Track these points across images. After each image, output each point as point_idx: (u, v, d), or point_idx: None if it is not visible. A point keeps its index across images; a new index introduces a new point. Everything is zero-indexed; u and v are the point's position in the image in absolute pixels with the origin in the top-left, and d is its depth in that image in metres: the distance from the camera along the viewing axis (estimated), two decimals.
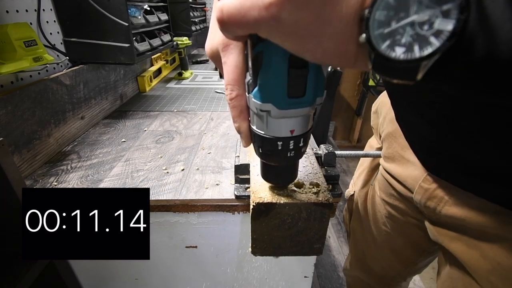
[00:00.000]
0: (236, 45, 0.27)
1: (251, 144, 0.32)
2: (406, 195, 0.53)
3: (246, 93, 0.28)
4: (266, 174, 0.35)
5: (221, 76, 0.43)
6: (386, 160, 0.57)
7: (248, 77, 0.26)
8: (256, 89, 0.25)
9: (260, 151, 0.31)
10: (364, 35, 0.16)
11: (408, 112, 0.44)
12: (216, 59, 0.30)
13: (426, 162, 0.46)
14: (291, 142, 0.28)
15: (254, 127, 0.29)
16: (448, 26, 0.14)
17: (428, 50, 0.15)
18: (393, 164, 0.54)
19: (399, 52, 0.15)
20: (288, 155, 0.30)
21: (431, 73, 0.16)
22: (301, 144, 0.29)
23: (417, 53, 0.15)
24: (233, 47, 0.27)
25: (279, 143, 0.28)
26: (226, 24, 0.20)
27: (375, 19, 0.15)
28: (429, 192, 0.46)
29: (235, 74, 0.27)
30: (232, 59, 0.27)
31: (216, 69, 1.61)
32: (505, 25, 0.14)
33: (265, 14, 0.18)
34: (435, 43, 0.14)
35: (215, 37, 0.29)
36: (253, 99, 0.26)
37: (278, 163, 0.32)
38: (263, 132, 0.29)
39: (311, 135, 0.34)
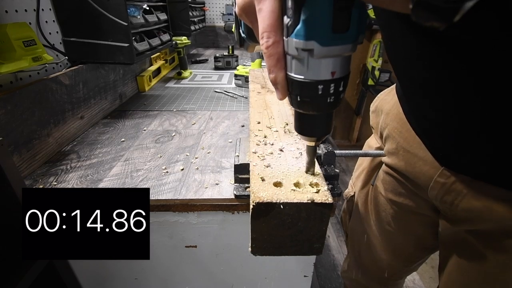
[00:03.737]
0: None
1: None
2: (418, 192, 0.53)
3: (284, 37, 0.27)
4: (302, 126, 0.34)
5: (243, 43, 0.41)
6: (390, 157, 0.57)
7: (287, 20, 0.26)
8: (298, 27, 0.25)
9: (298, 99, 0.30)
10: None
11: (424, 103, 0.44)
12: (249, 11, 0.29)
13: (441, 156, 0.45)
14: (332, 85, 0.28)
15: (292, 74, 0.28)
16: None
17: None
18: (399, 160, 0.54)
19: None
20: (328, 100, 0.29)
21: (467, 15, 0.16)
22: (341, 89, 0.29)
23: None
24: None
25: (320, 86, 0.28)
26: None
27: None
28: (446, 186, 0.45)
29: (272, 19, 0.27)
30: (268, 5, 0.27)
31: (215, 69, 1.61)
32: None
33: None
34: None
35: None
36: (294, 39, 0.26)
37: (317, 111, 0.31)
38: (302, 77, 0.28)
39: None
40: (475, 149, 0.39)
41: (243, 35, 0.40)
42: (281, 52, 0.28)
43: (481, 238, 0.44)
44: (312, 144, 0.37)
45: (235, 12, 0.34)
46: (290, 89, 0.30)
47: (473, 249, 0.46)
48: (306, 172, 0.41)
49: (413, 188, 0.54)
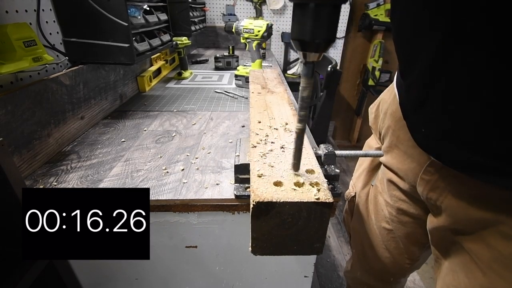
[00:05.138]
0: None
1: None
2: (409, 191, 0.53)
3: None
4: (301, 26, 0.29)
5: None
6: (385, 155, 0.58)
7: None
8: None
9: None
10: None
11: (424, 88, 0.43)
12: None
13: (430, 148, 0.45)
14: None
15: None
16: None
17: None
18: (392, 157, 0.55)
19: None
20: None
21: None
22: None
23: None
24: None
25: None
26: None
27: None
28: (430, 183, 0.46)
29: None
30: None
31: (216, 69, 1.61)
32: None
33: None
34: None
35: None
36: None
37: None
38: None
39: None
40: (470, 134, 0.39)
41: None
42: None
43: (467, 238, 0.44)
44: (315, 58, 0.31)
45: None
46: None
47: (461, 250, 0.46)
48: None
49: (405, 188, 0.54)
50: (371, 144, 0.68)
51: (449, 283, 0.48)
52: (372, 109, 0.66)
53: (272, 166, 0.42)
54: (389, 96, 0.57)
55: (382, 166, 0.62)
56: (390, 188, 0.58)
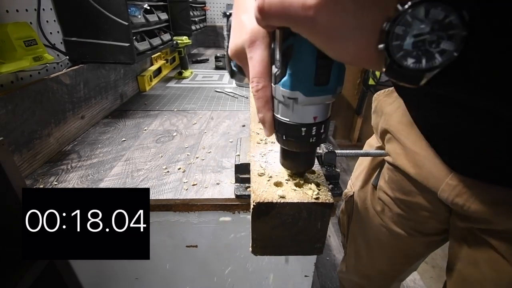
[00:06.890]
0: (262, 42, 0.29)
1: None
2: (429, 191, 0.53)
3: (272, 84, 0.30)
4: (287, 161, 0.38)
5: (234, 75, 0.45)
6: (397, 158, 0.56)
7: (275, 69, 0.29)
8: (285, 78, 0.28)
9: (284, 138, 0.33)
10: (383, 44, 0.19)
11: (432, 114, 0.44)
12: (241, 56, 0.32)
13: (452, 163, 0.45)
14: (314, 128, 0.31)
15: (278, 116, 0.32)
16: (451, 47, 0.18)
17: (432, 64, 0.18)
18: (408, 161, 0.53)
19: (410, 62, 0.19)
20: (310, 140, 0.32)
21: (433, 80, 0.19)
22: (322, 131, 0.32)
23: (423, 65, 0.18)
24: (259, 43, 0.29)
25: (303, 129, 0.31)
26: (265, 13, 0.23)
27: (394, 32, 0.18)
28: (458, 188, 0.45)
29: (262, 67, 0.29)
30: (258, 54, 0.29)
31: (216, 68, 1.61)
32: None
33: (303, 14, 0.20)
34: (439, 59, 0.18)
35: (240, 36, 0.31)
36: (281, 88, 0.29)
37: (300, 149, 0.34)
38: (288, 119, 0.31)
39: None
40: (483, 154, 0.39)
41: (234, 68, 0.43)
42: (269, 95, 0.31)
43: (495, 236, 0.44)
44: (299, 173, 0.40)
45: (227, 51, 0.36)
46: (277, 128, 0.33)
47: (487, 245, 0.45)
48: None
49: (424, 189, 0.53)
50: (372, 143, 0.68)
51: (470, 275, 0.48)
52: (372, 108, 0.65)
53: (273, 166, 0.42)
54: (394, 99, 0.56)
55: (386, 165, 0.60)
56: (407, 185, 0.57)
